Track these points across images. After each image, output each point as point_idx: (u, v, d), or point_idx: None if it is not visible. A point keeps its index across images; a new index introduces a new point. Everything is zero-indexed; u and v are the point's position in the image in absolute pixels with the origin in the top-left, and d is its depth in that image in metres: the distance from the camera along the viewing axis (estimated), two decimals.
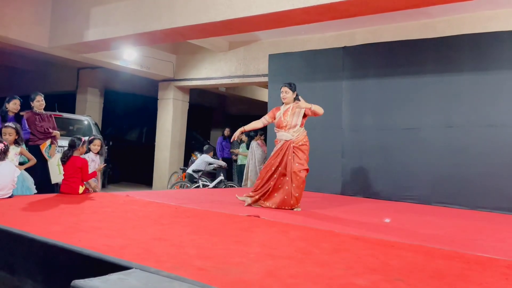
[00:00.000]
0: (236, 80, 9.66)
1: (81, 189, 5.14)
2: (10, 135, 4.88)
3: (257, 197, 5.00)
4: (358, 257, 2.76)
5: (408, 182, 6.67)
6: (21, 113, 5.80)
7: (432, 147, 6.54)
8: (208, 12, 6.20)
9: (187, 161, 10.62)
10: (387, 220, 3.71)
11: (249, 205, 4.98)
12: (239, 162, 9.38)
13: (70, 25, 7.80)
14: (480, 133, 6.18)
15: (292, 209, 4.86)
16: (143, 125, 12.63)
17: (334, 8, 5.38)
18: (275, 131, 5.11)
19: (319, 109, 4.95)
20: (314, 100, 7.79)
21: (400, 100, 6.90)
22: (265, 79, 8.77)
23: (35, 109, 5.91)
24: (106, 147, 5.87)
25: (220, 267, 2.30)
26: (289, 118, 4.97)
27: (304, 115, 5.02)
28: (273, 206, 4.88)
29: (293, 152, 4.87)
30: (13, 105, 5.66)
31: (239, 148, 9.65)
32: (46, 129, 5.81)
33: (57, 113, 7.85)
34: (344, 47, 7.54)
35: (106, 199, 4.95)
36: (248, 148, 9.29)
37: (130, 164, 11.83)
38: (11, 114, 5.65)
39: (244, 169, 9.30)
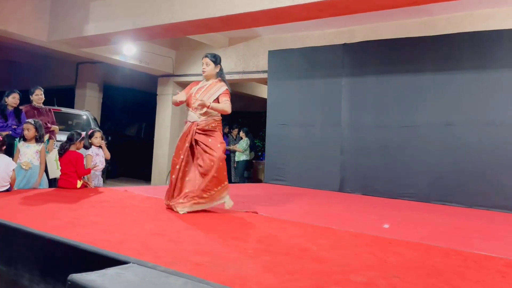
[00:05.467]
0: (236, 76, 9.63)
1: (79, 183, 5.13)
2: (28, 131, 4.95)
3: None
4: (355, 254, 2.76)
5: (406, 179, 6.67)
6: (20, 107, 5.78)
7: (431, 145, 6.54)
8: (208, 7, 6.18)
9: None
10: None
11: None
12: (237, 159, 9.38)
13: (69, 20, 7.77)
14: (479, 131, 6.18)
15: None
16: (142, 121, 12.61)
17: (334, 4, 5.37)
18: (186, 109, 4.33)
19: (222, 110, 4.13)
20: (313, 96, 7.89)
21: (399, 97, 6.89)
22: (265, 75, 8.75)
23: (34, 103, 5.90)
24: (106, 142, 5.86)
25: (217, 262, 2.30)
26: (200, 96, 4.10)
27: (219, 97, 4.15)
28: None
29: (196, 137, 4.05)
30: (12, 99, 5.65)
31: (237, 144, 9.64)
32: (44, 124, 5.79)
33: (56, 107, 7.84)
34: (344, 44, 7.52)
35: (104, 194, 4.95)
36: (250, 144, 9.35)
37: (129, 159, 11.81)
38: (10, 108, 5.64)
39: (242, 166, 9.30)
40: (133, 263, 2.10)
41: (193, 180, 4.05)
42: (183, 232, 3.09)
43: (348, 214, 4.79)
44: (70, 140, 5.19)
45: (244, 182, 9.24)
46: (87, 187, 5.30)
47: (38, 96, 5.90)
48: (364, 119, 7.20)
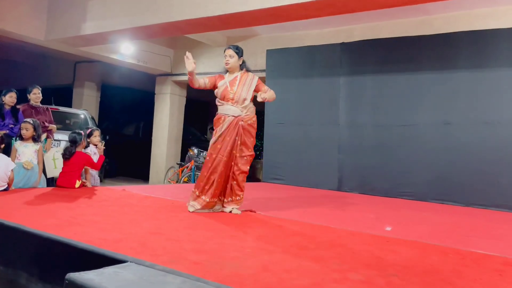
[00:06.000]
0: None
1: (77, 183, 5.13)
2: (27, 130, 4.96)
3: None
4: (353, 252, 2.77)
5: (404, 178, 6.68)
6: (18, 106, 5.77)
7: (429, 144, 6.55)
8: (205, 6, 6.17)
9: (184, 156, 10.60)
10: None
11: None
12: None
13: (67, 18, 7.76)
14: (477, 130, 6.19)
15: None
16: (140, 120, 12.59)
17: (332, 3, 5.37)
18: (218, 104, 4.18)
19: (274, 98, 4.18)
20: (311, 95, 7.88)
21: (397, 96, 6.90)
22: (263, 74, 8.73)
23: (31, 102, 5.90)
24: (103, 142, 5.85)
25: (215, 261, 2.30)
26: (237, 89, 4.05)
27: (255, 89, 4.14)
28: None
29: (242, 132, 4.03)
30: (9, 98, 5.63)
31: None
32: (42, 123, 5.78)
33: (54, 106, 7.82)
34: (342, 43, 7.53)
35: (102, 193, 4.94)
36: None
37: (127, 158, 11.79)
38: (7, 107, 5.62)
39: None
40: (130, 262, 2.10)
41: (230, 178, 4.07)
42: (181, 231, 3.08)
43: (346, 213, 4.79)
44: (74, 142, 5.17)
45: None
46: (85, 186, 5.30)
47: (35, 95, 5.89)
48: (362, 118, 7.20)
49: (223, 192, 4.09)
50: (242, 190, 4.11)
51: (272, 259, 2.46)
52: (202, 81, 4.11)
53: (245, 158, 4.06)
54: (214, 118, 4.18)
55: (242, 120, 4.02)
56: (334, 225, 3.81)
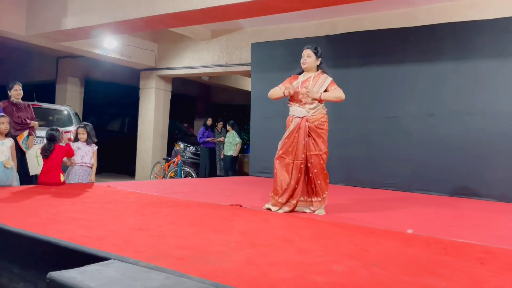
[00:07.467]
0: (219, 69, 9.59)
1: (62, 177, 5.08)
2: (2, 124, 4.87)
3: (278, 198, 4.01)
4: (337, 244, 2.79)
5: (389, 169, 6.75)
6: None
7: (413, 135, 6.62)
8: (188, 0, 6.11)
9: (170, 151, 10.55)
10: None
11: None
12: (225, 153, 9.33)
13: (47, 13, 7.61)
14: (460, 121, 6.28)
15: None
16: (125, 115, 12.47)
17: None
18: (288, 105, 4.17)
19: (336, 98, 4.01)
20: None
21: (382, 88, 6.95)
22: (248, 68, 8.73)
23: (12, 98, 5.78)
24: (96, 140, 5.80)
25: (199, 256, 2.29)
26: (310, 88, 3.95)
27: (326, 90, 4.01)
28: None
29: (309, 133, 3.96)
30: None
31: (220, 137, 9.60)
32: (23, 120, 5.70)
33: (36, 103, 7.70)
34: (327, 36, 7.54)
35: (86, 190, 4.89)
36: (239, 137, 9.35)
37: (112, 154, 11.68)
38: None
39: (229, 160, 9.26)
40: (114, 259, 2.08)
41: (302, 179, 4.00)
42: (166, 227, 3.07)
43: (330, 205, 4.81)
44: (52, 140, 5.10)
45: (230, 175, 9.22)
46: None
47: (16, 92, 5.79)
48: (347, 111, 7.22)
49: (303, 192, 4.02)
50: (323, 191, 4.02)
51: (256, 252, 2.46)
52: (281, 92, 4.11)
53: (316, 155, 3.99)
54: (286, 120, 4.15)
55: (308, 121, 3.95)
56: (319, 217, 3.83)
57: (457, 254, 2.68)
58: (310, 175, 3.98)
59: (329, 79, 4.03)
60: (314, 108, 3.97)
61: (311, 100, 3.94)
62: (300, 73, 4.19)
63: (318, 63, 4.08)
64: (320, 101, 3.96)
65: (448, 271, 2.28)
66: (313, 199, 4.02)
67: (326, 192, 4.03)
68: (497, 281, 2.17)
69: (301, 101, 3.99)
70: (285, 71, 7.91)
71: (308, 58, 4.05)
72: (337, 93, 3.97)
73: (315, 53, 4.04)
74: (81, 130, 5.58)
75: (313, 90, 3.91)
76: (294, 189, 3.97)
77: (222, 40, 9.44)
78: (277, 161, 4.04)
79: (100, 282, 1.78)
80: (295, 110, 4.02)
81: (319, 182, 3.98)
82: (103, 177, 10.56)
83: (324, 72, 4.11)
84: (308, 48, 4.07)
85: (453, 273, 2.24)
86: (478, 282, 2.13)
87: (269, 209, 4.02)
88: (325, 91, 3.96)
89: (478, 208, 5.20)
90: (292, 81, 4.13)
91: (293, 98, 4.06)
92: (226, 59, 9.39)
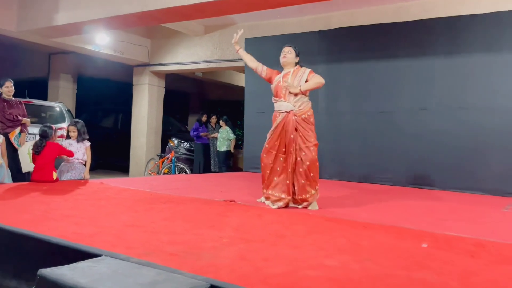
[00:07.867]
0: (213, 65, 9.55)
1: (54, 175, 5.05)
2: None
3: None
4: (330, 239, 2.80)
5: (382, 164, 6.78)
6: None
7: (406, 130, 6.64)
8: None
9: (164, 147, 10.51)
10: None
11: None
12: (218, 148, 9.31)
13: (38, 8, 7.53)
14: (453, 115, 6.30)
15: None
16: (118, 112, 12.39)
17: None
18: (273, 101, 4.23)
19: (316, 84, 4.09)
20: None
21: (375, 83, 6.96)
22: (242, 63, 8.67)
23: (3, 95, 5.73)
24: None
25: (191, 252, 2.30)
26: (290, 81, 4.05)
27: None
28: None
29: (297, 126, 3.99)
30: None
31: (214, 133, 9.58)
32: (15, 117, 5.65)
33: (28, 99, 7.63)
34: (320, 31, 7.52)
35: (79, 187, 4.87)
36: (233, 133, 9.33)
37: (106, 151, 11.63)
38: None
39: (222, 155, 9.25)
40: (105, 255, 2.08)
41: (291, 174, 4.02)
42: (158, 223, 3.06)
43: (323, 200, 4.83)
44: (45, 137, 5.07)
45: (223, 171, 9.22)
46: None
47: (8, 88, 5.73)
48: (340, 105, 7.25)
49: (297, 188, 4.03)
50: (316, 183, 4.03)
51: (249, 248, 2.46)
52: (254, 64, 4.35)
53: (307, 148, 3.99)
54: (272, 116, 4.19)
55: (295, 115, 3.99)
56: (312, 212, 3.84)
57: (448, 248, 2.70)
58: (301, 169, 3.99)
59: (308, 70, 4.16)
60: (298, 100, 4.04)
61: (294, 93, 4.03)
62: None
63: (297, 60, 4.24)
64: (303, 93, 4.04)
65: (439, 264, 2.30)
66: (306, 195, 4.01)
67: (317, 185, 4.06)
68: (488, 274, 2.18)
69: (284, 96, 4.07)
70: (279, 66, 7.94)
71: (289, 53, 4.20)
72: (315, 79, 4.08)
73: (295, 50, 4.22)
74: (71, 128, 5.56)
75: (293, 84, 4.01)
76: (286, 184, 4.01)
77: (216, 35, 9.40)
78: (264, 155, 4.13)
79: (91, 278, 1.78)
80: (281, 105, 4.09)
81: (312, 174, 3.99)
82: (97, 174, 10.51)
83: (302, 66, 4.25)
84: (288, 45, 4.26)
85: (444, 266, 2.26)
86: (469, 275, 2.14)
87: (264, 202, 4.11)
88: (306, 81, 4.07)
89: (470, 201, 5.24)
90: (274, 75, 4.28)
91: (276, 94, 4.17)
92: (219, 55, 9.35)
